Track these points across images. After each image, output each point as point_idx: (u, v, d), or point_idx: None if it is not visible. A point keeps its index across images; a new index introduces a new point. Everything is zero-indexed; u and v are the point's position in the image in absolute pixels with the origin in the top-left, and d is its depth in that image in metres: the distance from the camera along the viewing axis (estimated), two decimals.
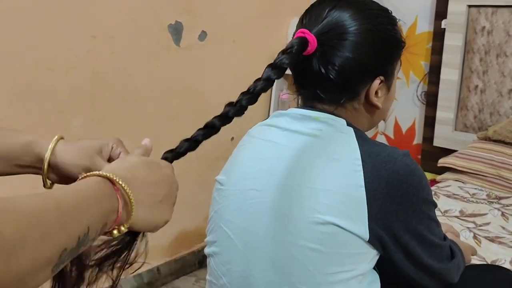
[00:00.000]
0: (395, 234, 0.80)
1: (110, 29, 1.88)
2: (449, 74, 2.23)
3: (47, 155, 0.72)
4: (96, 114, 1.90)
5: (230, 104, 0.74)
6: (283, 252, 0.82)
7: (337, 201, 0.78)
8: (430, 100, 2.34)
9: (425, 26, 2.34)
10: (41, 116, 1.74)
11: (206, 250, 0.96)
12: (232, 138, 2.35)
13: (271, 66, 0.77)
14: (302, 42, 0.81)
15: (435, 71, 2.29)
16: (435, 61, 2.30)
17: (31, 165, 0.73)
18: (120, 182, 0.57)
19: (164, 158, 0.72)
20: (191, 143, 0.71)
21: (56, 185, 0.75)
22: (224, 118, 0.72)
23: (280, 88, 2.57)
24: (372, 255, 0.82)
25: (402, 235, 0.80)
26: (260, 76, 0.77)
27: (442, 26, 2.23)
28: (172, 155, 0.72)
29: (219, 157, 2.28)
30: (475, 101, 2.21)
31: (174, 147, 0.73)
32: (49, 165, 0.72)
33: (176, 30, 2.11)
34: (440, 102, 2.27)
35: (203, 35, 2.21)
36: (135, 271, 0.68)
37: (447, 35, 2.21)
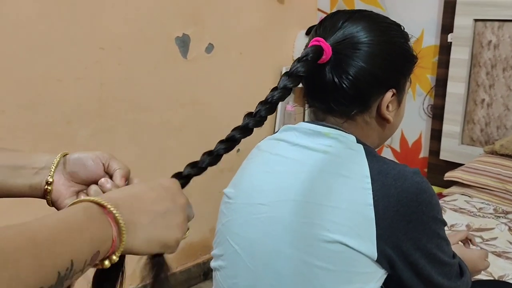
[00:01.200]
0: (404, 252, 0.79)
1: (118, 41, 1.90)
2: (456, 88, 2.23)
3: (56, 158, 0.68)
4: (103, 125, 1.91)
5: (249, 115, 0.73)
6: (290, 269, 0.81)
7: (345, 219, 0.77)
8: (437, 114, 2.33)
9: (431, 40, 2.34)
10: (49, 126, 1.76)
11: (212, 264, 0.95)
12: (238, 150, 2.35)
13: (287, 74, 0.77)
14: (317, 50, 0.81)
15: (442, 84, 2.29)
16: (441, 74, 2.30)
17: (33, 174, 0.68)
18: (108, 205, 0.52)
19: (187, 173, 0.69)
20: (214, 158, 0.70)
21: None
22: (245, 130, 0.72)
23: (287, 100, 2.58)
24: (380, 274, 0.81)
25: (411, 253, 0.79)
26: (275, 86, 0.77)
27: (449, 40, 2.23)
28: (195, 171, 0.70)
29: (225, 169, 2.28)
30: (481, 114, 2.20)
31: (196, 161, 0.71)
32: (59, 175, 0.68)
33: (183, 43, 2.12)
34: (446, 116, 2.27)
35: (210, 48, 2.23)
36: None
37: (453, 49, 2.21)
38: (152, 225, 0.56)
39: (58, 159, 0.69)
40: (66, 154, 0.70)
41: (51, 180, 0.68)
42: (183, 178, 0.70)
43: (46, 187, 0.68)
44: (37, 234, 0.45)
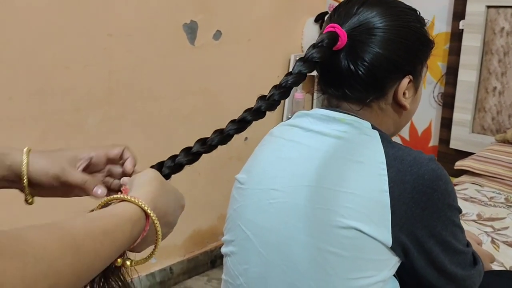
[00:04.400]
0: (419, 240, 0.78)
1: (127, 27, 1.89)
2: (467, 75, 2.20)
3: (23, 168, 0.65)
4: (112, 112, 1.91)
5: (262, 98, 0.73)
6: (303, 255, 0.80)
7: (360, 205, 0.76)
8: (447, 102, 2.31)
9: (442, 27, 2.31)
10: (57, 114, 1.75)
11: (223, 249, 0.95)
12: (246, 138, 2.35)
13: (302, 60, 0.76)
14: (333, 36, 0.80)
15: (452, 72, 2.26)
16: (452, 62, 2.27)
17: (1, 179, 0.67)
18: (156, 223, 0.54)
19: (196, 151, 0.69)
20: (224, 137, 0.70)
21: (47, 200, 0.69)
22: (257, 112, 0.71)
23: (295, 88, 2.56)
24: (394, 262, 0.80)
25: (426, 241, 0.79)
26: (290, 71, 0.76)
27: (460, 27, 2.20)
28: (204, 149, 0.70)
29: (233, 157, 2.28)
30: (493, 103, 2.17)
31: (206, 137, 0.71)
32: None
33: (191, 29, 2.11)
34: (457, 104, 2.24)
35: (218, 34, 2.21)
36: None
37: (465, 36, 2.18)
38: (164, 235, 0.59)
39: (25, 174, 0.65)
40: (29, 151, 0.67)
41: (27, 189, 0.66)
42: (192, 155, 0.70)
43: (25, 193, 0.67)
44: (80, 247, 0.44)
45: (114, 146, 0.71)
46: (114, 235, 0.49)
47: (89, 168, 0.70)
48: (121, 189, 0.62)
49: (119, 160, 0.71)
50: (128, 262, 0.54)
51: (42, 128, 1.72)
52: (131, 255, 0.58)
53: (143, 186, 0.57)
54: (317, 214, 0.79)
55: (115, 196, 0.55)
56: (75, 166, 0.68)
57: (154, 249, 0.56)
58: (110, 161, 0.72)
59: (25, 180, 0.66)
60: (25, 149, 0.67)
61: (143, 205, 0.53)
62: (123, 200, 0.54)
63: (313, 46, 0.78)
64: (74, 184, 0.67)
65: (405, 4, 0.89)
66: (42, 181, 0.66)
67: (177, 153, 0.72)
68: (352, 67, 0.82)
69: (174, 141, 2.10)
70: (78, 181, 0.66)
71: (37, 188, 0.68)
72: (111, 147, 0.71)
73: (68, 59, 1.74)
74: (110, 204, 0.56)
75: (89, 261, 0.44)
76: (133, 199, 0.53)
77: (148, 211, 0.53)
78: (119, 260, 0.53)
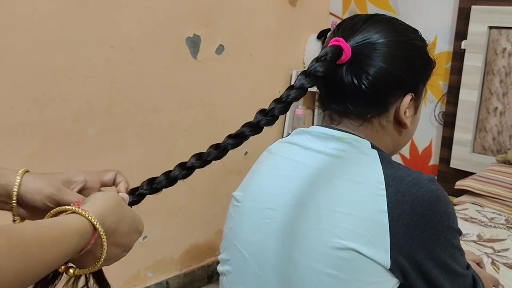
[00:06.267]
0: (418, 262, 0.77)
1: (129, 40, 1.89)
2: (468, 95, 2.20)
3: (15, 188, 0.66)
4: (112, 123, 1.90)
5: (261, 112, 0.72)
6: (298, 276, 0.78)
7: (358, 226, 0.75)
8: (448, 121, 2.30)
9: (444, 46, 2.32)
10: (57, 124, 1.75)
11: (219, 268, 0.93)
12: (246, 153, 2.34)
13: (305, 74, 0.76)
14: (337, 50, 0.79)
15: (454, 91, 2.26)
16: (454, 81, 2.27)
17: None
18: (103, 237, 0.56)
19: (191, 165, 0.70)
20: (220, 152, 0.70)
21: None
22: (255, 127, 0.70)
23: (296, 104, 2.56)
24: (392, 284, 0.79)
25: (425, 263, 0.77)
26: (292, 84, 0.76)
27: (462, 47, 2.21)
28: (199, 164, 0.70)
29: (232, 171, 2.27)
30: (494, 123, 2.17)
31: (202, 152, 0.71)
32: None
33: (194, 43, 2.11)
34: (458, 123, 2.24)
35: (220, 49, 2.22)
36: None
37: (467, 56, 2.18)
38: (114, 255, 0.61)
39: (15, 193, 0.66)
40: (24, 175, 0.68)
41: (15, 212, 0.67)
42: (186, 169, 0.70)
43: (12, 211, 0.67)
44: (28, 252, 0.47)
45: (107, 171, 0.74)
46: (62, 245, 0.51)
47: (83, 192, 0.72)
48: (74, 201, 0.64)
49: (112, 184, 0.74)
50: (71, 270, 0.56)
51: (41, 137, 1.72)
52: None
53: (96, 202, 0.60)
54: (313, 234, 0.78)
55: (66, 207, 0.57)
56: (70, 188, 0.70)
57: (96, 262, 0.57)
58: (104, 184, 0.74)
59: (14, 199, 0.66)
60: (20, 170, 0.68)
61: (91, 218, 0.55)
62: (73, 212, 0.56)
63: (317, 59, 0.77)
64: (69, 203, 0.67)
65: (407, 24, 0.89)
66: (36, 201, 0.67)
67: (176, 165, 0.71)
68: (355, 81, 0.82)
69: (174, 153, 2.10)
70: (73, 200, 0.67)
71: (30, 209, 0.68)
72: (104, 172, 0.74)
73: (69, 69, 1.75)
74: (61, 214, 0.58)
75: (35, 266, 0.47)
76: (82, 212, 0.55)
77: (96, 225, 0.55)
78: (62, 267, 0.55)
